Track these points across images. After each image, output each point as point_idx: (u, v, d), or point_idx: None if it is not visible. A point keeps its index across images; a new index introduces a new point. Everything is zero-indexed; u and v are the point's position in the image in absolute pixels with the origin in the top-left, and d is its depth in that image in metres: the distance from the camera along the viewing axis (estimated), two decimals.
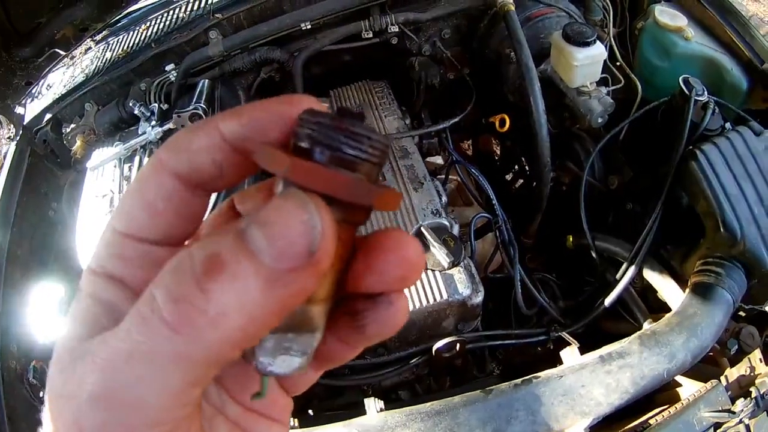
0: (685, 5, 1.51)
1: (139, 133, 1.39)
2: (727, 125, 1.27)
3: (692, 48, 1.41)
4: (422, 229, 1.18)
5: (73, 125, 1.58)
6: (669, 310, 1.21)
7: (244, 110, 0.23)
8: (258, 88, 1.55)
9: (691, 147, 1.21)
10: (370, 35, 1.46)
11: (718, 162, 1.18)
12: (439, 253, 1.15)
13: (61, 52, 1.55)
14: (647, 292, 1.33)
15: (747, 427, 1.03)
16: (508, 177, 1.87)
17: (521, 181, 1.80)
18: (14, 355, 1.34)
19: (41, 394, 1.32)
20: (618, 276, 1.28)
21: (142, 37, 1.57)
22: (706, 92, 1.26)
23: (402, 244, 0.24)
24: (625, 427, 1.06)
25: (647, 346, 1.06)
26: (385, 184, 0.24)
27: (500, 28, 1.45)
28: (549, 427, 0.97)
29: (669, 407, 1.05)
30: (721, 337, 1.14)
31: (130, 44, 1.57)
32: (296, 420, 1.07)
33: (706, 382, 1.08)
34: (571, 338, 1.22)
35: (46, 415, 0.22)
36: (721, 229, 1.14)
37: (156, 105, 1.44)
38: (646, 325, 1.23)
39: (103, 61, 1.59)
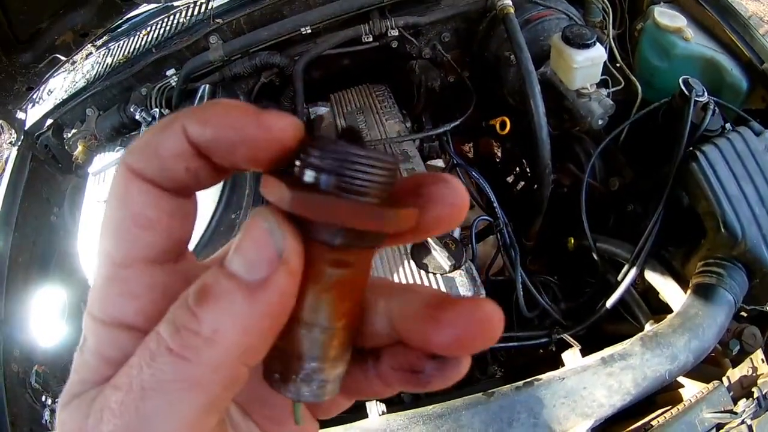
0: (684, 6, 1.52)
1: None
2: (728, 125, 1.27)
3: (692, 49, 1.41)
4: None
5: (74, 130, 1.59)
6: (671, 311, 1.21)
7: (210, 117, 0.22)
8: (258, 92, 1.55)
9: (691, 148, 1.21)
10: (370, 39, 1.46)
11: (719, 162, 1.18)
12: (440, 257, 1.15)
13: (62, 58, 1.56)
14: (649, 293, 1.33)
15: (750, 427, 1.03)
16: (510, 179, 1.87)
17: (522, 183, 1.80)
18: (17, 360, 1.35)
19: (43, 398, 1.32)
20: (619, 277, 1.28)
21: (143, 43, 1.57)
22: (706, 93, 1.26)
23: (484, 310, 0.23)
24: (628, 429, 1.06)
25: (649, 347, 1.06)
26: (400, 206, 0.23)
27: (500, 30, 1.46)
28: (551, 430, 0.97)
29: (671, 408, 1.05)
30: (723, 338, 1.14)
31: (131, 49, 1.58)
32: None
33: (708, 383, 1.08)
34: (572, 340, 1.22)
35: None
36: (722, 230, 1.14)
37: (157, 110, 1.44)
38: (648, 327, 1.23)
39: (104, 66, 1.59)
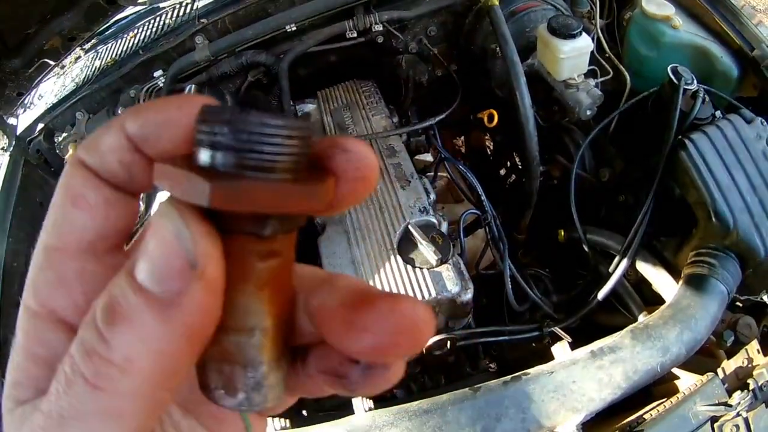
0: None
1: None
2: (718, 113, 1.26)
3: (681, 37, 1.39)
4: (410, 227, 1.17)
5: (65, 134, 1.59)
6: (665, 301, 1.20)
7: (142, 109, 0.22)
8: (246, 91, 1.55)
9: (680, 137, 1.19)
10: (355, 35, 1.45)
11: (708, 151, 1.16)
12: (426, 251, 1.14)
13: (51, 63, 1.56)
14: (642, 284, 1.31)
15: (746, 420, 1.01)
16: (502, 172, 1.85)
17: (514, 176, 1.79)
18: None
19: None
20: (611, 269, 1.26)
21: (130, 45, 1.58)
22: (695, 81, 1.24)
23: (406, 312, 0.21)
24: (620, 423, 1.04)
25: (640, 339, 1.04)
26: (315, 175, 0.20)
27: (485, 23, 1.44)
28: (540, 425, 0.96)
29: (664, 401, 1.04)
30: (717, 329, 1.12)
31: (119, 52, 1.58)
32: (288, 420, 1.07)
33: (703, 374, 1.07)
34: (563, 333, 1.20)
35: None
36: (713, 219, 1.12)
37: None
38: (641, 318, 1.21)
39: (93, 69, 1.60)
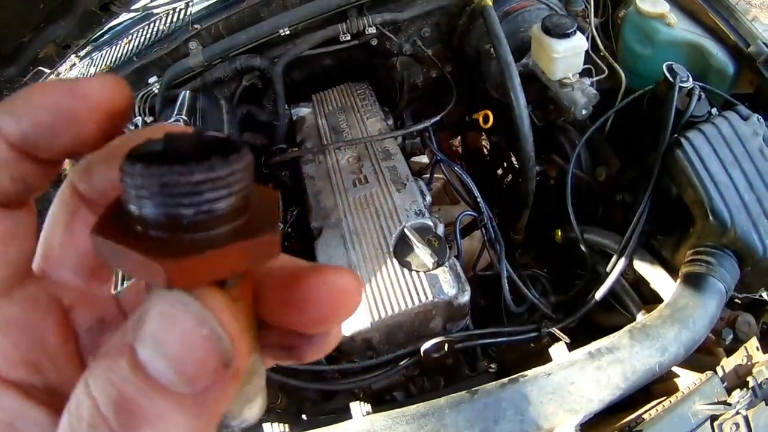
0: None
1: None
2: (714, 111, 1.25)
3: (675, 34, 1.38)
4: (406, 230, 1.17)
5: None
6: (663, 300, 1.19)
7: (18, 104, 0.19)
8: (241, 95, 1.55)
9: (676, 135, 1.18)
10: (348, 38, 1.45)
11: (705, 149, 1.16)
12: (423, 254, 1.14)
13: (46, 70, 1.56)
14: (641, 283, 1.31)
15: (745, 418, 1.01)
16: (499, 172, 1.85)
17: (511, 176, 1.78)
18: None
19: None
20: (608, 268, 1.26)
21: (125, 51, 1.58)
22: (690, 78, 1.24)
23: (330, 281, 0.21)
24: (619, 422, 1.04)
25: (637, 339, 1.04)
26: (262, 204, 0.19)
27: (479, 24, 1.44)
28: (538, 426, 0.96)
29: (663, 401, 1.04)
30: (716, 327, 1.12)
31: (113, 59, 1.58)
32: (287, 425, 1.07)
33: (703, 373, 1.06)
34: (561, 334, 1.20)
35: None
36: (710, 218, 1.12)
37: (139, 118, 1.44)
38: (640, 317, 1.21)
39: (88, 76, 1.60)
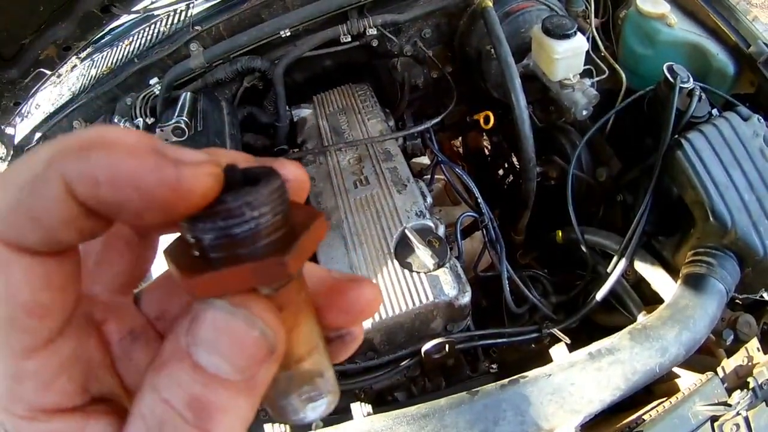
0: None
1: None
2: (715, 111, 1.25)
3: (676, 35, 1.38)
4: (406, 231, 1.17)
5: None
6: (664, 301, 1.19)
7: (99, 170, 0.17)
8: (241, 97, 1.55)
9: (676, 136, 1.18)
10: (349, 39, 1.45)
11: (705, 150, 1.16)
12: (424, 255, 1.14)
13: (47, 72, 1.57)
14: (642, 284, 1.31)
15: (746, 419, 1.01)
16: (500, 173, 1.85)
17: (512, 177, 1.78)
18: None
19: None
20: (609, 269, 1.26)
21: (126, 53, 1.58)
22: (691, 79, 1.24)
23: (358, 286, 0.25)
24: (620, 423, 1.04)
25: (638, 340, 1.04)
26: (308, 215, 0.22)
27: (480, 25, 1.44)
28: (538, 427, 0.96)
29: (664, 401, 1.04)
30: (716, 327, 1.12)
31: (114, 60, 1.58)
32: (288, 426, 1.07)
33: (703, 373, 1.06)
34: (561, 334, 1.20)
35: None
36: (711, 219, 1.12)
37: (141, 119, 1.45)
38: (640, 318, 1.21)
39: (89, 78, 1.60)
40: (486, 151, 1.95)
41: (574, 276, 1.44)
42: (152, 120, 1.46)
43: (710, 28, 1.40)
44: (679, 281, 1.14)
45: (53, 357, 0.20)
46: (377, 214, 1.22)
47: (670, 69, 1.24)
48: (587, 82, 1.33)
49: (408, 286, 1.12)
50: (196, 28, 1.45)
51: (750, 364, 1.10)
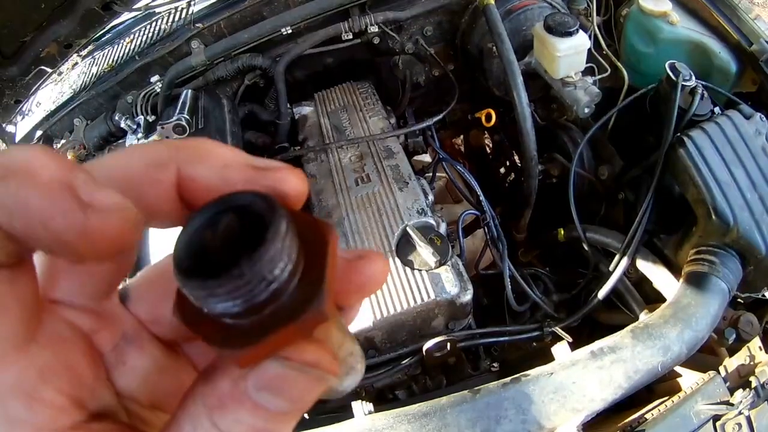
0: None
1: (126, 146, 1.40)
2: (717, 110, 1.25)
3: (678, 33, 1.38)
4: (408, 229, 1.17)
5: (63, 141, 1.59)
6: (666, 299, 1.19)
7: (9, 198, 0.17)
8: (243, 94, 1.55)
9: (679, 134, 1.18)
10: (350, 36, 1.45)
11: (707, 148, 1.15)
12: (425, 253, 1.14)
13: (48, 70, 1.57)
14: (644, 282, 1.30)
15: (748, 418, 1.00)
16: (502, 171, 1.85)
17: (513, 175, 1.78)
18: None
19: None
20: (611, 267, 1.26)
21: (127, 50, 1.58)
22: (693, 77, 1.23)
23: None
24: (622, 422, 1.04)
25: (640, 339, 1.04)
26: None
27: (481, 22, 1.44)
28: (540, 426, 0.95)
29: (666, 400, 1.03)
30: (718, 326, 1.11)
31: (116, 58, 1.58)
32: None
33: (705, 372, 1.06)
34: (563, 333, 1.20)
35: None
36: (713, 217, 1.11)
37: (142, 117, 1.44)
38: (642, 316, 1.21)
39: (90, 75, 1.60)
40: (487, 149, 1.95)
41: (575, 274, 1.44)
42: (153, 118, 1.46)
43: (712, 27, 1.39)
44: (681, 280, 1.14)
45: (30, 366, 0.19)
46: (379, 211, 1.22)
47: (673, 67, 1.24)
48: (589, 80, 1.33)
49: (410, 284, 1.11)
50: (198, 25, 1.45)
51: (752, 363, 1.10)
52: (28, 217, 0.17)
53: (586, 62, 1.32)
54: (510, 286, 1.28)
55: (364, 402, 1.02)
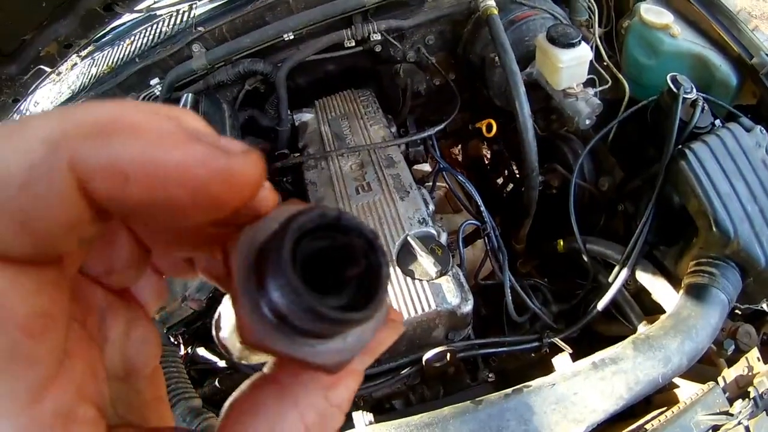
0: (671, 2, 1.50)
1: None
2: (717, 122, 1.26)
3: (679, 45, 1.39)
4: (409, 238, 1.17)
5: None
6: (664, 311, 1.19)
7: (127, 160, 0.14)
8: (243, 99, 1.54)
9: (680, 146, 1.19)
10: (353, 44, 1.45)
11: (709, 160, 1.16)
12: (426, 263, 1.13)
13: (47, 69, 1.55)
14: (642, 293, 1.31)
15: (747, 428, 1.01)
16: (500, 181, 1.85)
17: (511, 185, 1.78)
18: None
19: None
20: (610, 279, 1.26)
21: (127, 52, 1.56)
22: (694, 89, 1.24)
23: None
24: None
25: (641, 350, 1.04)
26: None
27: (484, 32, 1.44)
28: None
29: (666, 411, 1.04)
30: (717, 337, 1.12)
31: (115, 59, 1.57)
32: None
33: (704, 383, 1.06)
34: (563, 344, 1.20)
35: None
36: (714, 229, 1.12)
37: None
38: (641, 328, 1.21)
39: (89, 76, 1.58)
40: (485, 159, 1.95)
41: (573, 285, 1.44)
42: None
43: (713, 39, 1.40)
44: (681, 291, 1.14)
45: (69, 384, 0.17)
46: (379, 220, 1.22)
47: (674, 79, 1.25)
48: (590, 91, 1.34)
49: (410, 293, 1.11)
50: (199, 29, 1.44)
51: (750, 374, 1.10)
52: (158, 178, 0.14)
53: (588, 74, 1.33)
54: (510, 297, 1.28)
55: (364, 412, 1.01)
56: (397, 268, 1.14)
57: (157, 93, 1.47)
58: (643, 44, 1.45)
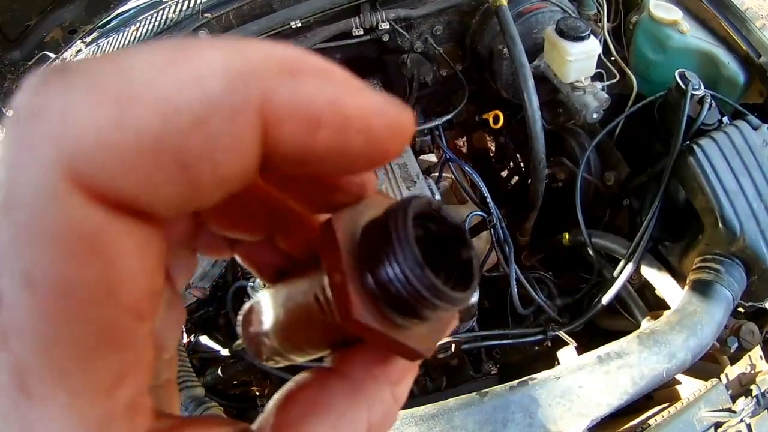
0: None
1: None
2: (725, 119, 1.26)
3: (688, 42, 1.38)
4: None
5: None
6: (668, 306, 1.19)
7: (323, 103, 0.13)
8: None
9: (688, 142, 1.19)
10: (361, 33, 1.44)
11: (716, 157, 1.16)
12: None
13: (51, 55, 1.54)
14: (646, 289, 1.31)
15: (748, 426, 1.01)
16: (504, 174, 1.85)
17: (516, 178, 1.78)
18: None
19: None
20: (615, 273, 1.26)
21: (133, 38, 1.55)
22: (702, 86, 1.24)
23: None
24: (624, 427, 1.04)
25: (646, 345, 1.04)
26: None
27: (492, 23, 1.43)
28: (546, 429, 0.96)
29: (669, 406, 1.04)
30: (721, 335, 1.12)
31: (121, 46, 1.55)
32: None
33: (706, 380, 1.07)
34: (567, 337, 1.20)
35: None
36: (720, 225, 1.12)
37: None
38: (645, 323, 1.21)
39: None
40: (490, 151, 1.95)
41: (577, 279, 1.44)
42: None
43: (722, 37, 1.40)
44: (686, 287, 1.14)
45: (146, 372, 0.14)
46: None
47: (682, 75, 1.24)
48: (598, 85, 1.33)
49: None
50: (206, 15, 1.43)
51: (753, 372, 1.11)
52: (348, 124, 0.13)
53: (596, 68, 1.32)
54: (516, 289, 1.28)
55: None
56: None
57: None
58: (651, 40, 1.44)
